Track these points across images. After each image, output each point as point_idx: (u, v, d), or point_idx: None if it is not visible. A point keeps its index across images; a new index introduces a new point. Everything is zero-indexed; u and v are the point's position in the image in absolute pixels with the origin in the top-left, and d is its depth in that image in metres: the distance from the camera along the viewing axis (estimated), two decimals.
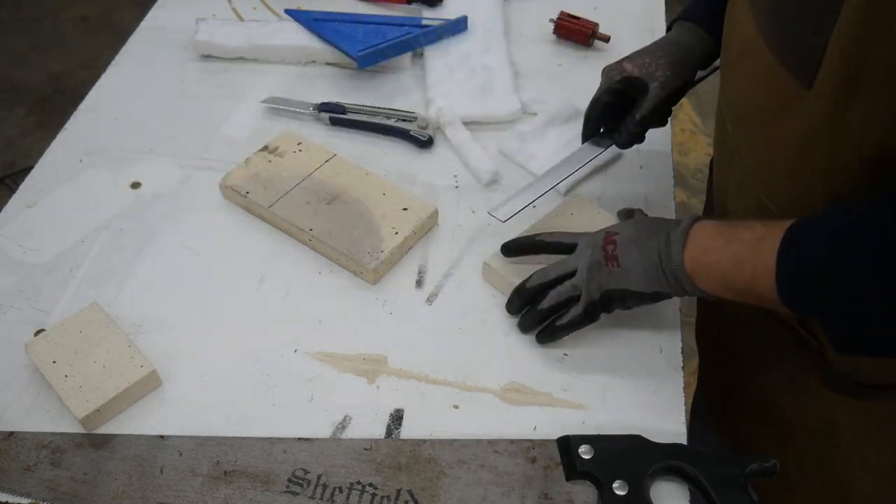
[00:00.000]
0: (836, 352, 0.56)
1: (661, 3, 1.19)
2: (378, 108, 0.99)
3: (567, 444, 0.66)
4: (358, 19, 1.11)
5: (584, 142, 0.87)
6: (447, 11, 1.14)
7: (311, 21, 1.10)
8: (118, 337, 0.74)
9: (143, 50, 1.11)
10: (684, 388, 0.73)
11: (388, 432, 0.70)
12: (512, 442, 0.67)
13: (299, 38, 1.08)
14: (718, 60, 0.78)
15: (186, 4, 1.18)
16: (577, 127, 0.94)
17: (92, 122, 1.00)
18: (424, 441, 0.67)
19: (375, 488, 0.65)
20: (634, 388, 0.73)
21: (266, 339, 0.77)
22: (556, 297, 0.73)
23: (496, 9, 1.14)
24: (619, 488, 0.62)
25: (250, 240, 0.86)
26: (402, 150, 0.97)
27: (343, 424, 0.71)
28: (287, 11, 1.14)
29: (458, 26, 1.10)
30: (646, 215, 0.79)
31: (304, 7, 1.16)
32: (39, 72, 2.46)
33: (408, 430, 0.70)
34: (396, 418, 0.71)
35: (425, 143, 0.96)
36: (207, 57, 1.09)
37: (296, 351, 0.76)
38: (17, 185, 0.94)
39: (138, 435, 0.69)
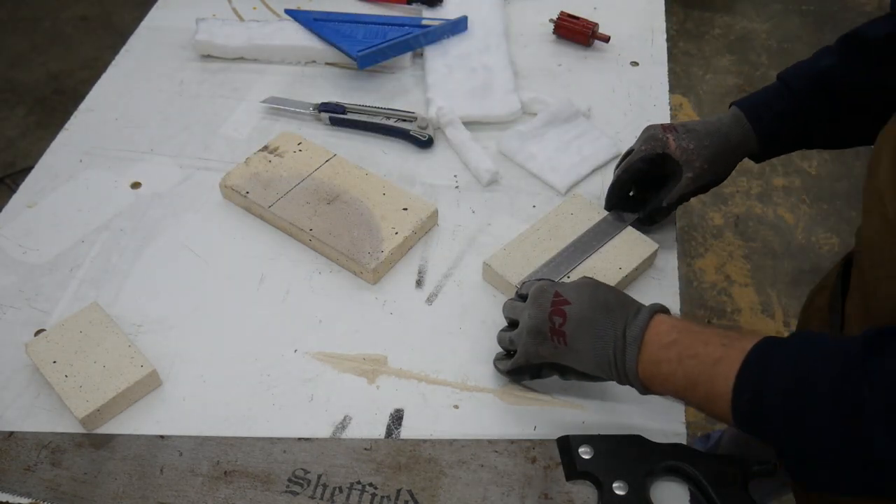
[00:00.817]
0: (794, 480, 0.55)
1: (660, 3, 1.19)
2: (378, 108, 0.99)
3: (567, 444, 0.66)
4: (358, 19, 1.11)
5: (608, 207, 0.86)
6: (447, 11, 1.14)
7: (311, 21, 1.10)
8: (118, 337, 0.74)
9: (143, 50, 1.11)
10: None
11: (388, 432, 0.70)
12: (512, 442, 0.67)
13: (299, 38, 1.08)
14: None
15: (186, 4, 1.18)
16: (578, 127, 0.94)
17: (92, 122, 1.00)
18: (424, 441, 0.67)
19: (375, 488, 0.65)
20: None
21: (266, 339, 0.77)
22: (499, 340, 0.72)
23: (496, 9, 1.14)
24: (620, 488, 0.62)
25: (250, 240, 0.86)
26: (402, 150, 0.97)
27: (343, 424, 0.71)
28: (287, 11, 1.14)
29: (458, 26, 1.10)
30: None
31: (304, 7, 1.16)
32: (39, 72, 2.46)
33: (408, 430, 0.70)
34: (396, 418, 0.71)
35: (425, 143, 0.96)
36: (207, 57, 1.09)
37: (296, 351, 0.76)
38: (17, 185, 0.94)
39: (138, 435, 0.69)
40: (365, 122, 0.98)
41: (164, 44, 1.12)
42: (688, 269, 1.93)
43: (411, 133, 0.96)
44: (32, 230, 0.87)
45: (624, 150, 0.86)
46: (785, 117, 0.80)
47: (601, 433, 0.67)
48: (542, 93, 1.03)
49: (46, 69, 2.46)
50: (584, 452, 0.64)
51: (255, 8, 1.18)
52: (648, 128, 0.82)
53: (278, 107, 1.01)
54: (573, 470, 0.64)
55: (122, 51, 1.11)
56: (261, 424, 0.71)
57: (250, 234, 0.87)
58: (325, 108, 0.99)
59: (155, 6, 1.19)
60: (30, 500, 0.66)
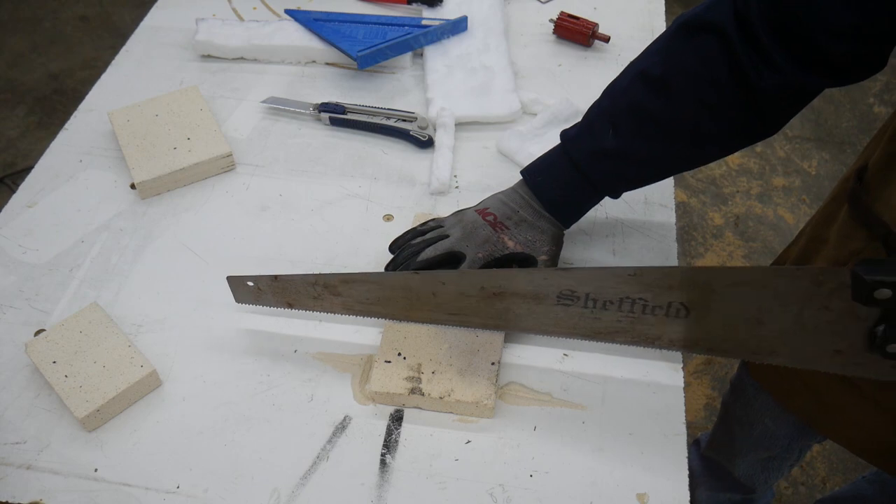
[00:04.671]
0: None
1: (661, 3, 1.19)
2: (378, 108, 0.99)
3: (860, 281, 0.58)
4: (358, 19, 1.11)
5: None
6: (447, 11, 1.14)
7: (311, 21, 1.10)
8: (118, 337, 0.74)
9: (143, 50, 1.11)
10: (684, 388, 0.73)
11: (389, 432, 0.70)
12: (798, 268, 0.63)
13: (299, 38, 1.08)
14: None
15: (186, 4, 1.18)
16: None
17: (92, 122, 1.00)
18: (697, 268, 0.66)
19: (646, 301, 0.65)
20: (634, 388, 0.73)
21: (266, 339, 0.77)
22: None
23: (496, 9, 1.14)
24: None
25: (250, 239, 0.86)
26: (402, 150, 0.97)
27: (343, 424, 0.71)
28: (287, 11, 1.14)
29: (458, 26, 1.10)
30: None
31: (304, 7, 1.16)
32: (39, 72, 2.46)
33: (408, 430, 0.70)
34: (396, 418, 0.71)
35: (425, 143, 0.96)
36: (207, 57, 1.09)
37: (296, 351, 0.76)
38: (17, 185, 0.94)
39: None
40: (365, 122, 0.98)
41: (164, 44, 1.12)
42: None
43: (411, 133, 0.96)
44: (32, 230, 0.87)
45: None
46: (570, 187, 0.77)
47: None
48: (542, 93, 1.03)
49: (46, 69, 2.46)
50: (880, 295, 0.57)
51: (255, 8, 1.17)
52: (475, 226, 0.77)
53: (278, 107, 1.01)
54: (865, 298, 0.59)
55: (122, 51, 1.11)
56: (261, 424, 0.71)
57: (250, 233, 0.87)
58: (325, 108, 0.99)
59: (155, 6, 1.19)
60: (30, 500, 0.66)
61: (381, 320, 0.77)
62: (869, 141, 0.80)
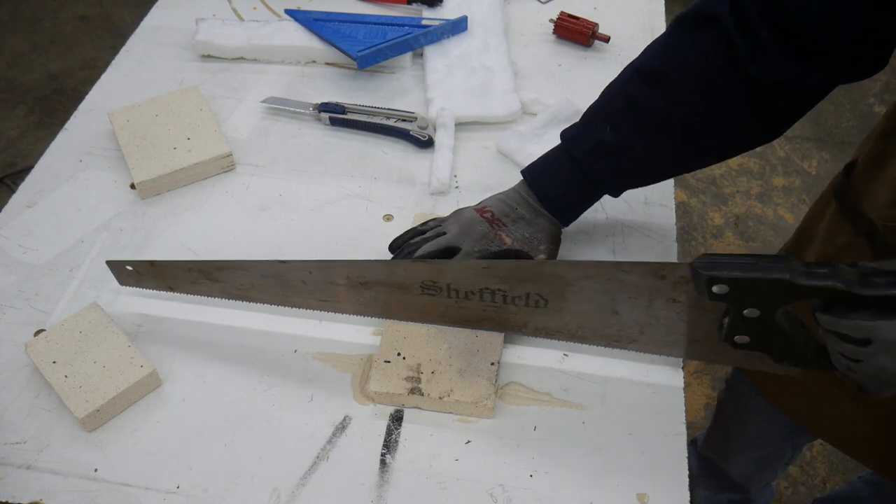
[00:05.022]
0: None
1: (660, 3, 1.19)
2: (378, 108, 0.99)
3: (699, 276, 0.59)
4: (358, 19, 1.11)
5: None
6: (447, 11, 1.14)
7: (311, 21, 1.10)
8: (118, 337, 0.74)
9: (143, 50, 1.11)
10: (685, 388, 0.73)
11: (389, 432, 0.70)
12: (640, 263, 0.64)
13: (299, 38, 1.08)
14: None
15: (186, 4, 1.18)
16: None
17: (92, 122, 1.00)
18: (545, 263, 0.69)
19: (505, 292, 0.68)
20: (634, 388, 0.73)
21: (266, 339, 0.77)
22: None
23: (496, 9, 1.14)
24: (750, 313, 0.59)
25: (250, 239, 0.86)
26: (402, 150, 0.97)
27: (343, 424, 0.71)
28: (287, 11, 1.14)
29: (458, 26, 1.10)
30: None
31: (304, 7, 1.16)
32: (39, 72, 2.45)
33: (408, 430, 0.70)
34: (396, 419, 0.71)
35: (425, 143, 0.96)
36: (207, 57, 1.09)
37: (296, 351, 0.76)
38: (17, 185, 0.94)
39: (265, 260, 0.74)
40: (365, 122, 0.98)
41: (164, 44, 1.12)
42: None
43: (411, 133, 0.96)
44: (32, 230, 0.87)
45: None
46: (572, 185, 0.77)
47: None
48: (542, 93, 1.03)
49: (46, 69, 2.46)
50: (718, 290, 0.58)
51: (255, 8, 1.17)
52: (472, 223, 0.77)
53: (278, 107, 1.01)
54: (704, 291, 0.59)
55: (122, 51, 1.11)
56: (261, 424, 0.71)
57: (250, 233, 0.87)
58: (325, 108, 0.99)
59: (155, 6, 1.19)
60: (30, 500, 0.66)
61: (382, 320, 0.77)
62: (864, 139, 0.80)
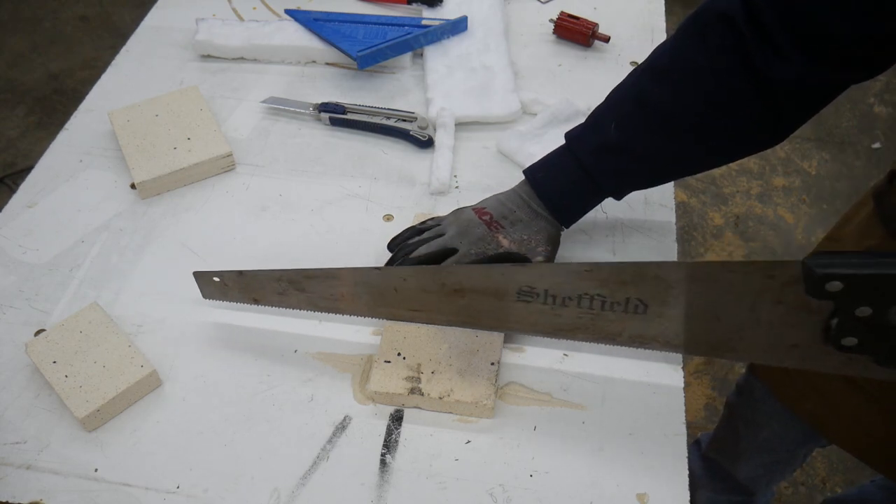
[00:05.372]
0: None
1: (660, 3, 1.19)
2: (378, 108, 0.99)
3: (812, 274, 0.57)
4: (358, 19, 1.11)
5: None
6: (447, 11, 1.14)
7: (311, 21, 1.10)
8: (118, 337, 0.74)
9: (143, 50, 1.11)
10: (684, 388, 0.73)
11: (389, 432, 0.70)
12: (750, 262, 0.62)
13: (299, 38, 1.08)
14: None
15: (186, 4, 1.18)
16: None
17: (92, 122, 1.00)
18: (649, 262, 0.66)
19: (604, 297, 0.65)
20: (634, 388, 0.73)
21: (266, 339, 0.77)
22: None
23: (496, 9, 1.14)
24: (861, 312, 0.57)
25: (250, 239, 0.86)
26: (402, 150, 0.97)
27: (343, 424, 0.71)
28: (287, 11, 1.14)
29: (458, 26, 1.10)
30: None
31: (304, 7, 1.16)
32: (39, 72, 2.46)
33: (408, 430, 0.70)
34: (396, 418, 0.71)
35: (425, 143, 0.96)
36: (207, 57, 1.09)
37: (296, 351, 0.76)
38: (17, 185, 0.94)
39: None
40: (365, 122, 0.98)
41: (164, 44, 1.12)
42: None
43: (411, 133, 0.96)
44: (32, 230, 0.87)
45: None
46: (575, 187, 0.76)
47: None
48: (542, 93, 1.03)
49: (46, 69, 2.46)
50: (831, 287, 0.57)
51: (255, 8, 1.17)
52: (470, 224, 0.77)
53: (278, 107, 1.01)
54: (815, 290, 0.58)
55: (122, 51, 1.11)
56: (261, 424, 0.71)
57: (250, 233, 0.87)
58: (325, 108, 0.99)
59: (155, 6, 1.19)
60: (30, 500, 0.66)
61: (380, 320, 0.77)
62: None
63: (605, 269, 0.64)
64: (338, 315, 0.77)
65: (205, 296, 0.78)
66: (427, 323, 0.75)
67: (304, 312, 0.79)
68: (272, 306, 0.77)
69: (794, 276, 0.58)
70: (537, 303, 0.68)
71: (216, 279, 0.76)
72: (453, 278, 0.69)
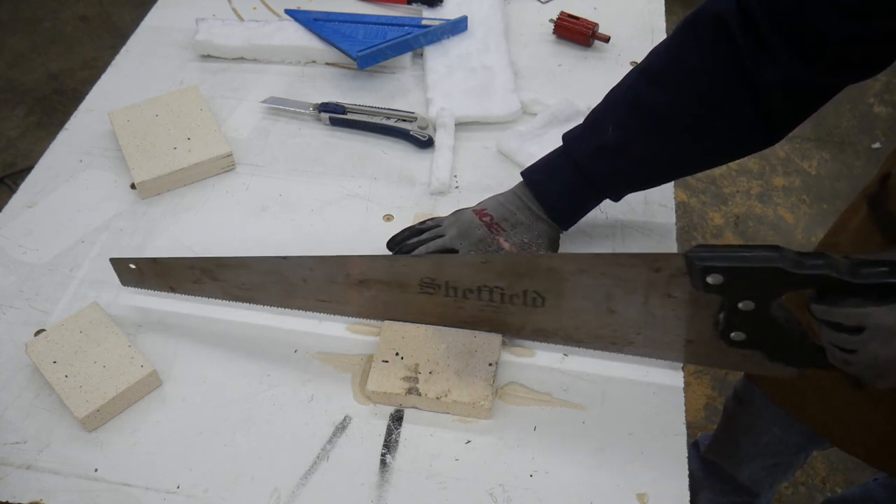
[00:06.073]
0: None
1: (660, 3, 1.19)
2: (378, 108, 0.99)
3: (694, 266, 0.59)
4: (358, 19, 1.11)
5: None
6: (447, 11, 1.14)
7: (311, 21, 1.10)
8: (118, 337, 0.74)
9: (143, 50, 1.11)
10: (684, 388, 0.73)
11: (389, 432, 0.70)
12: (635, 255, 0.63)
13: (299, 38, 1.08)
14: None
15: (186, 4, 1.18)
16: None
17: (92, 122, 1.00)
18: (541, 255, 0.68)
19: (503, 289, 0.67)
20: (634, 388, 0.73)
21: (266, 339, 0.77)
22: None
23: (496, 9, 1.14)
24: (745, 306, 0.59)
25: (249, 239, 0.86)
26: (402, 150, 0.97)
27: (343, 424, 0.71)
28: (287, 11, 1.14)
29: (458, 26, 1.10)
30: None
31: (304, 7, 1.16)
32: (39, 72, 2.45)
33: (408, 430, 0.70)
34: (396, 418, 0.71)
35: (425, 143, 0.96)
36: (207, 57, 1.09)
37: (296, 351, 0.76)
38: (17, 185, 0.94)
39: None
40: (365, 122, 0.98)
41: (164, 44, 1.12)
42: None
43: (411, 133, 0.96)
44: (32, 230, 0.87)
45: None
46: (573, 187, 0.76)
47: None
48: (542, 93, 1.03)
49: (46, 69, 2.46)
50: (713, 280, 0.58)
51: (255, 8, 1.17)
52: (470, 226, 0.77)
53: (278, 107, 1.01)
54: (699, 283, 0.59)
55: (122, 51, 1.11)
56: (261, 424, 0.71)
57: (250, 233, 0.87)
58: (325, 108, 0.99)
59: (155, 6, 1.19)
60: (30, 500, 0.66)
61: (380, 322, 0.77)
62: (895, 149, 0.80)
63: (500, 261, 0.66)
64: (335, 315, 0.78)
65: (123, 283, 0.79)
66: (335, 313, 0.76)
67: (303, 313, 0.79)
68: (188, 295, 0.78)
69: (679, 268, 0.59)
70: (439, 295, 0.70)
71: (132, 266, 0.76)
72: (357, 269, 0.70)
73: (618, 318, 0.66)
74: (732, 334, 0.61)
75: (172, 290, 0.78)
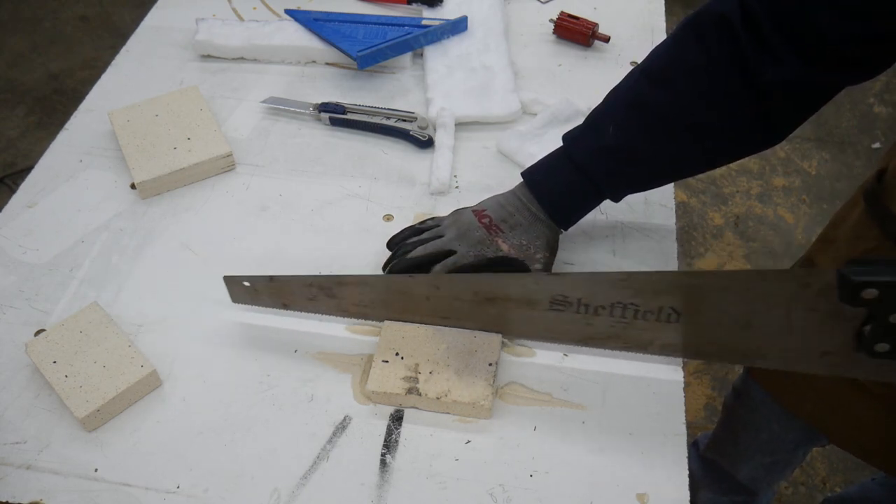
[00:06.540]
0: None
1: (660, 3, 1.19)
2: (378, 108, 0.99)
3: (847, 282, 0.57)
4: (358, 19, 1.11)
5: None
6: (447, 11, 1.14)
7: (311, 21, 1.10)
8: (118, 337, 0.74)
9: (143, 50, 1.11)
10: (684, 388, 0.73)
11: (389, 432, 0.70)
12: (785, 271, 0.63)
13: (299, 38, 1.08)
14: None
15: (186, 4, 1.18)
16: None
17: (92, 122, 1.00)
18: (684, 273, 0.66)
19: (637, 306, 0.65)
20: (634, 388, 0.73)
21: (266, 339, 0.77)
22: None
23: (496, 9, 1.14)
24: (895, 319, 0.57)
25: (250, 239, 0.86)
26: (402, 150, 0.97)
27: (343, 424, 0.71)
28: (287, 11, 1.14)
29: (458, 26, 1.10)
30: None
31: (304, 7, 1.16)
32: (39, 72, 2.45)
33: (408, 430, 0.70)
34: (396, 418, 0.71)
35: (425, 143, 0.96)
36: (207, 57, 1.09)
37: (296, 351, 0.76)
38: (17, 185, 0.94)
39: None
40: (365, 122, 0.98)
41: (164, 44, 1.12)
42: (688, 269, 1.93)
43: (411, 133, 0.96)
44: (32, 230, 0.87)
45: None
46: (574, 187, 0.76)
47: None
48: (542, 93, 1.03)
49: (46, 69, 2.46)
50: (867, 295, 0.57)
51: (255, 8, 1.17)
52: (469, 227, 0.77)
53: (278, 107, 1.01)
54: (850, 298, 0.58)
55: (122, 51, 1.11)
56: (261, 424, 0.71)
57: (250, 233, 0.87)
58: (325, 108, 0.99)
59: (155, 6, 1.19)
60: (30, 500, 0.66)
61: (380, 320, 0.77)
62: (891, 145, 0.80)
63: (641, 277, 0.64)
64: (339, 316, 0.78)
65: (234, 300, 0.78)
66: (455, 328, 0.75)
67: (303, 313, 0.79)
68: (301, 311, 0.78)
69: (829, 283, 0.58)
70: (569, 311, 0.68)
71: (246, 284, 0.76)
72: (487, 287, 0.70)
73: (753, 332, 0.65)
74: (877, 346, 0.60)
75: (286, 306, 0.78)
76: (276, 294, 0.76)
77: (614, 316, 0.67)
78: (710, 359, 0.70)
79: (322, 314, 0.77)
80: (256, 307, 0.79)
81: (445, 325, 0.75)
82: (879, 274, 0.56)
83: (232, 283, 0.77)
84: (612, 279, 0.65)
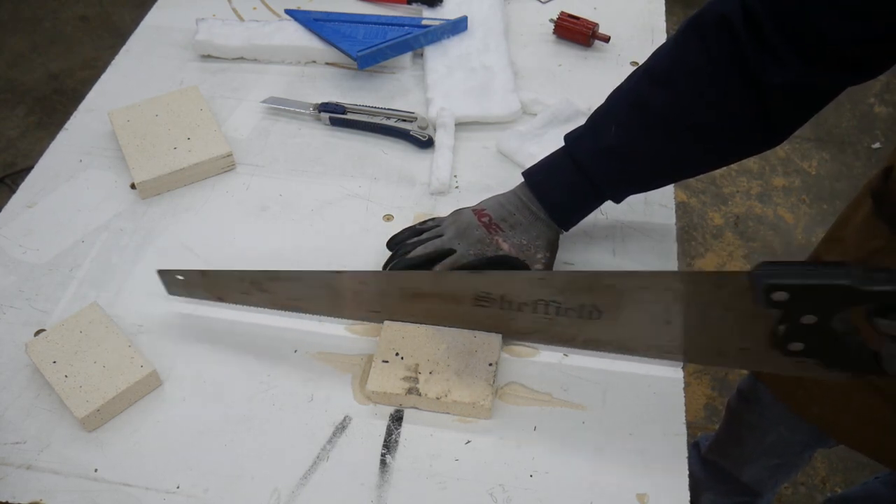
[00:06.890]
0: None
1: (661, 3, 1.19)
2: (378, 108, 0.99)
3: (759, 284, 0.59)
4: (358, 19, 1.11)
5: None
6: (447, 11, 1.14)
7: (311, 21, 1.10)
8: (118, 337, 0.74)
9: (143, 50, 1.11)
10: (684, 388, 0.73)
11: (389, 432, 0.70)
12: (699, 273, 0.65)
13: (299, 38, 1.08)
14: None
15: (186, 4, 1.18)
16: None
17: (92, 122, 1.00)
18: (603, 273, 0.69)
19: (559, 303, 0.68)
20: (634, 388, 0.73)
21: (266, 339, 0.77)
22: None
23: (496, 9, 1.14)
24: (807, 320, 0.59)
25: (250, 239, 0.86)
26: (402, 150, 0.97)
27: (343, 424, 0.71)
28: (287, 11, 1.14)
29: (458, 26, 1.10)
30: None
31: (304, 7, 1.16)
32: (39, 72, 2.45)
33: (408, 430, 0.70)
34: (396, 419, 0.71)
35: (425, 143, 0.96)
36: (207, 57, 1.09)
37: (296, 351, 0.76)
38: (17, 185, 0.94)
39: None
40: (365, 122, 0.98)
41: (164, 44, 1.12)
42: (688, 269, 1.93)
43: (411, 133, 0.96)
44: (32, 230, 0.87)
45: None
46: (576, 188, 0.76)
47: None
48: (542, 93, 1.03)
49: (46, 69, 2.46)
50: (778, 297, 0.58)
51: (255, 8, 1.17)
52: (469, 226, 0.77)
53: (278, 107, 1.01)
54: (763, 299, 0.59)
55: (122, 51, 1.11)
56: (261, 424, 0.71)
57: (250, 233, 0.87)
58: (325, 108, 0.99)
59: (155, 6, 1.19)
60: (30, 500, 0.66)
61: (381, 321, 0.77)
62: None
63: (560, 277, 0.68)
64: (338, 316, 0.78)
65: (170, 292, 0.80)
66: (392, 320, 0.76)
67: (308, 314, 0.79)
68: (237, 304, 0.79)
69: (743, 286, 0.60)
70: (494, 307, 0.71)
71: (180, 277, 0.77)
72: (411, 284, 0.72)
73: (672, 329, 0.67)
74: (790, 345, 0.61)
75: (220, 299, 0.79)
76: (210, 288, 0.78)
77: (537, 312, 0.70)
78: (634, 354, 0.73)
79: (255, 307, 0.78)
80: (254, 307, 0.79)
81: (375, 321, 0.77)
82: (789, 276, 0.57)
83: (166, 276, 0.78)
84: (531, 277, 0.69)
